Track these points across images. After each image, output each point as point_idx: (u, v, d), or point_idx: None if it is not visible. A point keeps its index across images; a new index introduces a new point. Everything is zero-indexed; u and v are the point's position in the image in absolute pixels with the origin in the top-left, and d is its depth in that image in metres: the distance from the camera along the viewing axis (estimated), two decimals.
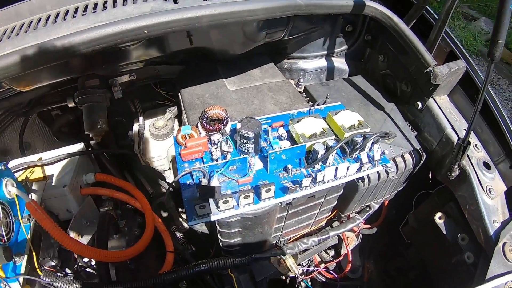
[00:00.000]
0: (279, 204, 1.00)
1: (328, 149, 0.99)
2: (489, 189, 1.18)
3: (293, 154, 0.99)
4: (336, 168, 0.98)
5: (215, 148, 0.99)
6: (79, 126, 1.58)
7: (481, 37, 5.70)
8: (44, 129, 1.73)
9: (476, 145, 1.28)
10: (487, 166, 1.23)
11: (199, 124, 1.03)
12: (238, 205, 0.92)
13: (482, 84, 1.03)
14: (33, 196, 1.17)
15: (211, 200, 0.89)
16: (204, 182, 0.91)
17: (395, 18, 1.31)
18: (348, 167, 1.00)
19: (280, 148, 1.00)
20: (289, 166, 0.99)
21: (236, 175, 0.97)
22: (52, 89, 1.43)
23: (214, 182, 0.91)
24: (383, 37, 1.49)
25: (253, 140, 0.97)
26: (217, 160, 0.98)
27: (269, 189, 0.90)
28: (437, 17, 1.30)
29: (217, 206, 0.90)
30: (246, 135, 0.95)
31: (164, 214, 1.52)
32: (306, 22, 1.45)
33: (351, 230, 1.42)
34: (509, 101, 4.88)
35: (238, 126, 0.97)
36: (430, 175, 1.52)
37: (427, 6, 1.40)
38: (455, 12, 6.30)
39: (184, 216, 1.60)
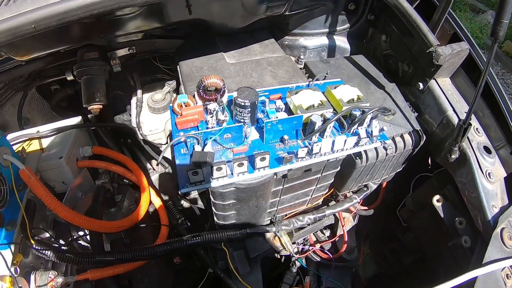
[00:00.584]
0: (274, 176, 0.99)
1: (325, 121, 0.97)
2: (489, 173, 1.17)
3: (290, 125, 0.98)
4: (333, 141, 0.96)
5: (211, 117, 0.97)
6: (78, 101, 1.57)
7: (488, 30, 5.61)
8: (43, 104, 1.73)
9: (477, 128, 1.26)
10: (487, 150, 1.22)
11: (195, 93, 1.02)
12: (232, 173, 0.91)
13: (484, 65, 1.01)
14: (28, 165, 1.16)
15: (203, 168, 0.88)
16: (198, 148, 0.89)
17: None
18: (345, 140, 0.98)
19: (276, 117, 0.99)
20: (285, 137, 0.97)
21: (231, 144, 0.95)
22: (51, 62, 1.42)
23: (208, 148, 0.89)
24: (386, 17, 1.46)
25: (249, 109, 0.95)
26: (212, 128, 0.96)
27: (264, 157, 0.89)
28: None
29: (211, 173, 0.89)
30: (242, 103, 0.93)
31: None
32: None
33: (348, 210, 1.41)
34: None
35: (235, 94, 0.95)
36: (429, 159, 1.51)
37: None
38: (463, 3, 6.23)
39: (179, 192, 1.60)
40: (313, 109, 1.01)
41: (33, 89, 1.60)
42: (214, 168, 0.86)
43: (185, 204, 1.61)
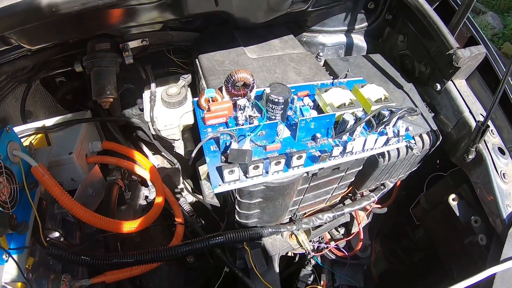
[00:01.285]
0: (305, 174, 0.97)
1: (357, 120, 0.96)
2: (503, 173, 1.18)
3: (321, 124, 0.96)
4: (365, 140, 0.95)
5: (241, 113, 0.94)
6: (85, 94, 1.53)
7: (488, 31, 5.69)
8: (47, 97, 1.66)
9: (491, 130, 1.27)
10: (501, 151, 1.23)
11: (223, 88, 0.99)
12: (267, 172, 0.89)
13: (501, 71, 1.02)
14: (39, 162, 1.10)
15: (239, 167, 0.85)
16: (234, 145, 0.87)
17: None
18: (376, 139, 0.97)
19: (310, 115, 0.97)
20: (318, 135, 0.96)
21: (264, 141, 0.93)
22: (58, 53, 1.37)
23: (246, 146, 0.87)
24: (404, 17, 1.47)
25: (282, 106, 0.93)
26: (242, 125, 0.94)
27: (301, 156, 0.87)
28: (459, 2, 1.29)
29: (246, 172, 0.86)
30: (276, 100, 0.91)
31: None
32: None
33: (364, 208, 1.41)
34: None
35: (268, 90, 0.93)
36: (440, 159, 1.52)
37: None
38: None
39: (190, 189, 1.57)
40: (344, 107, 1.00)
41: (37, 82, 1.53)
42: (251, 166, 0.84)
43: (195, 200, 1.58)
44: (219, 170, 0.86)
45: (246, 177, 0.88)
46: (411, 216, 1.58)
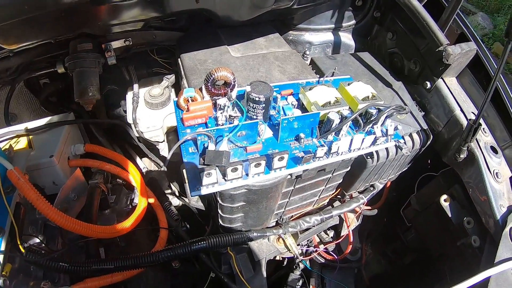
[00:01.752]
0: (289, 176, 0.94)
1: (342, 119, 0.93)
2: (496, 173, 1.16)
3: (305, 123, 0.92)
4: (351, 140, 0.92)
5: (221, 113, 0.91)
6: (69, 95, 1.49)
7: (478, 31, 5.73)
8: (31, 99, 1.63)
9: (483, 129, 1.25)
10: (494, 150, 1.21)
11: (203, 87, 0.96)
12: (247, 174, 0.85)
13: (493, 68, 1.00)
14: (16, 166, 1.06)
15: (217, 169, 0.82)
16: (211, 147, 0.83)
17: None
18: (363, 139, 0.94)
19: (293, 114, 0.94)
20: (302, 135, 0.92)
21: (244, 142, 0.89)
22: (41, 54, 1.33)
23: (223, 147, 0.83)
24: (393, 14, 1.45)
25: (263, 105, 0.90)
26: (222, 125, 0.90)
27: (282, 157, 0.83)
28: None
29: (224, 175, 0.83)
30: (257, 99, 0.88)
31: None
32: None
33: (354, 210, 1.38)
34: None
35: (248, 89, 0.89)
36: (431, 159, 1.50)
37: None
38: None
39: (177, 192, 1.53)
40: (329, 106, 0.96)
41: (21, 83, 1.50)
42: (229, 169, 0.80)
43: (181, 203, 1.54)
44: (197, 172, 0.83)
45: (225, 180, 0.84)
46: (402, 218, 1.55)
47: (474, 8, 6.34)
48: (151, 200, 1.36)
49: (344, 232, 1.47)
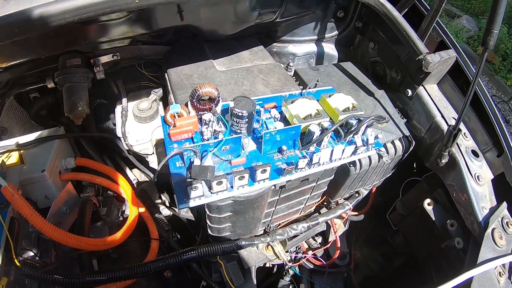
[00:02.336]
0: (273, 187, 0.97)
1: (323, 130, 0.96)
2: (478, 176, 1.20)
3: (288, 135, 0.96)
4: (332, 151, 0.95)
5: (206, 127, 0.94)
6: (58, 109, 1.51)
7: (463, 34, 5.84)
8: (21, 113, 1.64)
9: (464, 133, 1.29)
10: (475, 154, 1.25)
11: (189, 103, 0.99)
12: (232, 187, 0.88)
13: (472, 74, 1.04)
14: (10, 182, 1.08)
15: (203, 182, 0.85)
16: (197, 162, 0.86)
17: (388, 5, 1.31)
18: (343, 149, 0.97)
19: (275, 128, 0.97)
20: (284, 148, 0.96)
21: (228, 156, 0.93)
22: (31, 69, 1.35)
23: (208, 162, 0.86)
24: (374, 24, 1.48)
25: (246, 119, 0.93)
26: (208, 140, 0.94)
27: (265, 170, 0.87)
28: (429, 7, 1.31)
29: (210, 188, 0.86)
30: (240, 114, 0.91)
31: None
32: (299, 5, 1.42)
33: (340, 216, 1.41)
34: None
35: (231, 104, 0.93)
36: (416, 163, 1.53)
37: None
38: None
39: (167, 203, 1.56)
40: (310, 118, 1.00)
41: (11, 97, 1.52)
42: (215, 182, 0.83)
43: (171, 214, 1.57)
44: (184, 186, 0.86)
45: (211, 193, 0.87)
46: (389, 222, 1.58)
47: (459, 11, 6.46)
48: (142, 211, 1.38)
49: (331, 238, 1.50)
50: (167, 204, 1.54)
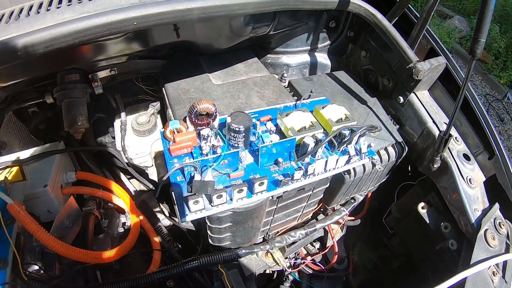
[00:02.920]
0: (270, 198, 1.00)
1: (317, 142, 1.00)
2: (470, 179, 1.23)
3: (283, 148, 0.99)
4: (326, 161, 0.99)
5: (205, 142, 0.97)
6: (57, 123, 1.53)
7: (455, 34, 5.91)
8: (21, 127, 1.66)
9: (456, 138, 1.32)
10: (466, 157, 1.28)
11: (187, 118, 1.02)
12: (231, 199, 0.92)
13: (462, 80, 1.07)
14: (14, 198, 1.11)
15: (203, 196, 0.88)
16: (197, 177, 0.89)
17: (379, 15, 1.34)
18: (337, 159, 1.01)
19: (271, 141, 1.01)
20: (280, 160, 0.99)
21: (227, 170, 0.96)
22: (30, 85, 1.37)
23: (208, 177, 0.90)
24: (366, 34, 1.52)
25: (243, 134, 0.96)
26: (207, 154, 0.97)
27: (262, 182, 0.90)
28: (418, 15, 1.34)
29: (211, 201, 0.89)
30: (237, 129, 0.94)
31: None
32: (292, 17, 1.45)
33: (337, 222, 1.44)
34: (482, 96, 5.10)
35: (229, 120, 0.96)
36: (410, 168, 1.57)
37: (409, 5, 1.43)
38: None
39: (167, 213, 1.58)
40: (305, 130, 1.03)
41: (10, 112, 1.54)
42: (215, 196, 0.87)
43: (172, 224, 1.60)
44: (185, 200, 0.89)
45: (211, 206, 0.90)
46: (385, 226, 1.61)
47: (451, 12, 6.53)
48: (143, 223, 1.41)
49: (329, 243, 1.53)
50: (167, 214, 1.57)
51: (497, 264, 1.10)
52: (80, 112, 1.35)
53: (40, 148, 1.42)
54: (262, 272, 1.39)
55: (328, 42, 1.66)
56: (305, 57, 1.67)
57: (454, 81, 1.35)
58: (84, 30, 0.86)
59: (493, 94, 5.19)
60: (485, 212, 1.19)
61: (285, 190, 0.98)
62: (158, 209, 1.59)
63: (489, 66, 5.59)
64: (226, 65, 1.45)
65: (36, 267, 1.14)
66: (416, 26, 1.32)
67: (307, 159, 1.02)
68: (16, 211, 0.99)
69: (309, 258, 1.54)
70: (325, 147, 1.07)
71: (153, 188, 1.57)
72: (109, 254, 1.19)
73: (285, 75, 1.44)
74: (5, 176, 1.26)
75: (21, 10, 0.91)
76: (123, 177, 1.62)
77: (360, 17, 1.36)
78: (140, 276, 1.10)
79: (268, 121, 1.11)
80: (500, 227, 1.17)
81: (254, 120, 1.08)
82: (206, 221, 1.04)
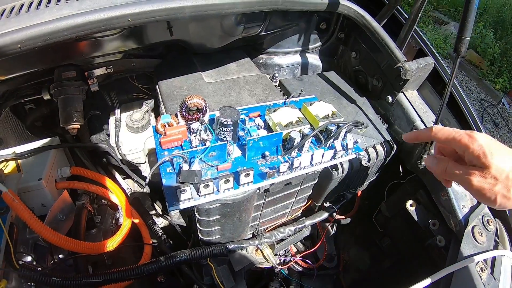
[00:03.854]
0: (257, 190, 1.03)
1: (304, 136, 1.02)
2: None
3: (270, 142, 1.02)
4: (312, 155, 1.01)
5: (194, 136, 1.00)
6: (53, 120, 1.56)
7: (451, 40, 5.98)
8: (17, 123, 1.68)
9: None
10: None
11: (178, 113, 1.04)
12: (218, 190, 0.94)
13: (449, 78, 1.09)
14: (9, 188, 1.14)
15: (191, 186, 0.91)
16: (185, 167, 0.92)
17: (368, 16, 1.37)
18: (323, 154, 1.03)
19: (258, 135, 1.03)
20: (267, 153, 1.02)
21: (215, 162, 0.99)
22: (27, 81, 1.41)
23: (195, 167, 0.92)
24: (356, 35, 1.55)
25: (231, 128, 0.99)
26: (196, 147, 1.00)
27: (248, 173, 0.92)
28: (407, 17, 1.37)
29: (198, 191, 0.92)
30: (225, 122, 0.97)
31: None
32: (282, 18, 1.48)
33: (326, 219, 1.46)
34: (477, 101, 5.14)
35: (217, 114, 0.99)
36: (400, 167, 1.59)
37: (398, 7, 1.47)
38: (426, 16, 6.60)
39: (160, 211, 1.60)
40: (292, 125, 1.06)
41: (7, 108, 1.57)
42: (202, 185, 0.89)
43: (164, 221, 1.62)
44: (174, 190, 0.91)
45: (199, 196, 0.93)
46: (375, 224, 1.63)
47: (447, 18, 6.61)
48: (136, 220, 1.43)
49: (319, 241, 1.55)
50: (160, 212, 1.59)
51: (485, 261, 1.12)
52: (76, 108, 1.38)
53: (36, 143, 1.45)
54: (252, 268, 1.40)
55: (319, 43, 1.69)
56: (297, 58, 1.70)
57: (442, 81, 1.38)
58: (81, 25, 0.90)
59: (488, 99, 5.24)
60: (473, 209, 1.21)
61: (272, 183, 1.00)
62: (151, 207, 1.61)
63: (484, 71, 5.65)
64: (219, 64, 1.48)
65: (29, 258, 1.16)
66: (404, 27, 1.36)
67: (293, 153, 1.04)
68: (10, 199, 1.02)
69: (298, 255, 1.56)
70: (312, 143, 1.09)
71: (145, 185, 1.59)
72: (99, 245, 1.21)
73: (276, 75, 1.46)
74: (0, 169, 1.28)
75: (22, 6, 0.95)
76: (117, 174, 1.64)
77: (350, 19, 1.40)
78: (129, 267, 1.11)
79: (257, 117, 1.14)
80: (489, 223, 1.19)
81: (243, 116, 1.11)
82: (195, 213, 1.06)
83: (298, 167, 1.01)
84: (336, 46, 1.70)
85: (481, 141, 0.74)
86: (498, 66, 5.62)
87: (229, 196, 0.98)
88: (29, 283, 1.08)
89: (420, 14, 1.31)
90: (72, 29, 0.89)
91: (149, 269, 1.13)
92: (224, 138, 1.02)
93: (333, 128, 1.06)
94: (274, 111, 1.09)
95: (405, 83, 1.35)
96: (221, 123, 0.98)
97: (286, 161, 1.01)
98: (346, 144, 1.10)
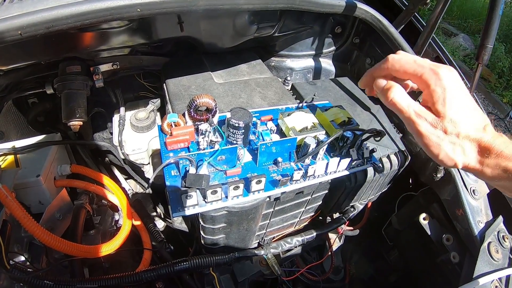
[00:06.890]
0: (268, 199, 0.97)
1: (319, 143, 0.97)
2: (473, 190, 1.21)
3: (283, 147, 0.96)
4: (327, 163, 0.96)
5: (202, 137, 0.95)
6: (56, 116, 1.51)
7: (460, 52, 5.97)
8: (19, 117, 1.64)
9: None
10: None
11: (186, 112, 0.99)
12: (226, 197, 0.88)
13: (469, 85, 1.05)
14: (3, 184, 1.08)
15: (197, 192, 0.85)
16: (192, 170, 0.86)
17: (385, 21, 1.32)
18: (338, 162, 0.98)
19: (271, 139, 0.98)
20: (279, 159, 0.96)
21: (224, 166, 0.93)
22: (31, 74, 1.36)
23: (203, 171, 0.87)
24: (371, 40, 1.51)
25: (243, 130, 0.94)
26: (204, 150, 0.94)
27: (260, 180, 0.87)
28: (425, 24, 1.33)
29: (205, 197, 0.86)
30: (236, 124, 0.92)
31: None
32: (297, 20, 1.44)
33: (335, 231, 1.41)
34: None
35: (228, 115, 0.93)
36: (411, 179, 1.54)
37: (415, 13, 1.42)
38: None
39: (162, 214, 1.55)
40: (306, 131, 1.01)
41: (9, 101, 1.52)
42: (209, 191, 0.83)
43: (165, 226, 1.56)
44: (178, 194, 0.86)
45: (205, 202, 0.87)
46: (384, 237, 1.58)
47: (456, 30, 6.62)
48: (136, 222, 1.38)
49: (326, 252, 1.49)
50: (162, 215, 1.54)
51: (499, 278, 1.07)
52: (79, 104, 1.33)
53: (36, 139, 1.40)
54: (255, 279, 1.34)
55: (333, 47, 1.64)
56: (309, 62, 1.66)
57: None
58: (86, 13, 0.84)
59: (495, 112, 5.20)
60: (488, 224, 1.16)
61: (284, 191, 0.95)
62: (152, 210, 1.56)
63: (492, 84, 5.62)
64: (229, 65, 1.43)
65: (23, 258, 1.11)
66: (422, 34, 1.32)
67: (307, 161, 0.99)
68: (3, 196, 0.96)
69: (305, 267, 1.50)
70: (326, 150, 1.04)
71: (148, 188, 1.54)
72: (96, 249, 1.15)
73: (288, 78, 1.42)
74: None
75: None
76: (119, 175, 1.59)
77: (366, 24, 1.35)
78: (126, 274, 1.06)
79: (269, 120, 1.08)
80: (504, 240, 1.14)
81: (254, 119, 1.06)
82: (200, 220, 1.00)
83: (312, 175, 0.96)
84: (351, 51, 1.65)
85: (446, 82, 0.63)
86: (507, 79, 5.60)
87: (237, 204, 0.92)
88: (21, 284, 1.03)
89: (439, 21, 1.27)
90: (76, 17, 0.83)
91: (147, 276, 1.07)
92: (235, 141, 0.97)
93: (349, 135, 1.00)
94: (288, 115, 1.04)
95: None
96: (232, 125, 0.93)
97: (300, 169, 0.96)
98: (362, 153, 1.04)
